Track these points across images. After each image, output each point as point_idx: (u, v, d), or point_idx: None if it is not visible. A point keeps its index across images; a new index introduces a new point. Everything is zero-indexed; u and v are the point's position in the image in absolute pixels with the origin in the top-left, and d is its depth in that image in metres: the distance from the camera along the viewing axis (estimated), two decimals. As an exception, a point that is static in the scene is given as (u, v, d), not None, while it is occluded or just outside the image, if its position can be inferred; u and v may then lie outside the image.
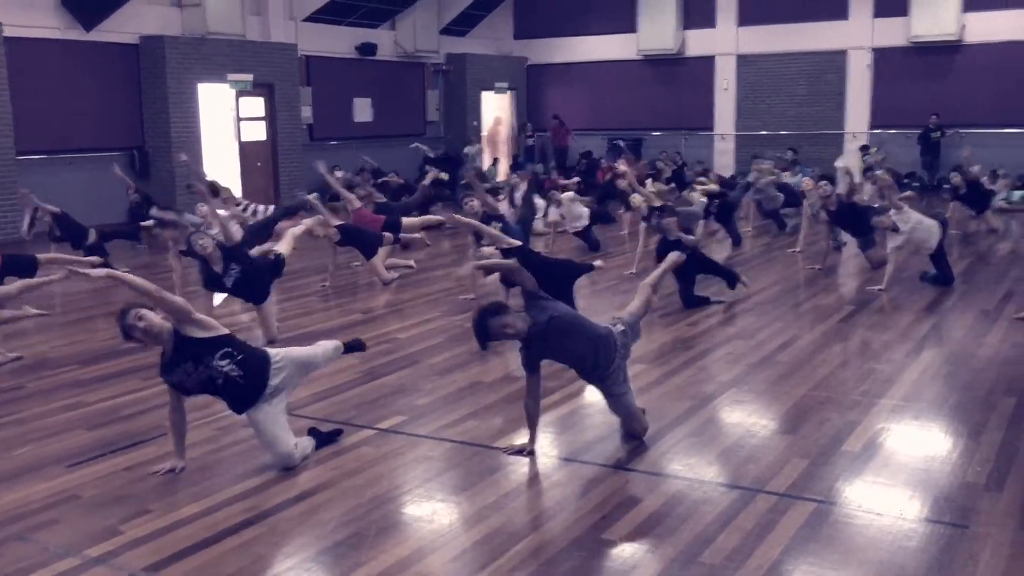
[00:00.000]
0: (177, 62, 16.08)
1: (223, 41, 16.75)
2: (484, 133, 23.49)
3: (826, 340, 7.71)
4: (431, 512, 4.53)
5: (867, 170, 15.86)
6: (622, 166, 16.09)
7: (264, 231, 10.31)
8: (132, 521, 4.44)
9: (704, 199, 13.56)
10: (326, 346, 5.75)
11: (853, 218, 10.53)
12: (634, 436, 5.44)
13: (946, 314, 8.56)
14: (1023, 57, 19.04)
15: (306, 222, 9.25)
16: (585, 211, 13.15)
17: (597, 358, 5.26)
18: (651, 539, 4.18)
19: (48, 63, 14.89)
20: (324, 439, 5.45)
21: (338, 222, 10.54)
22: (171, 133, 16.08)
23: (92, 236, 11.56)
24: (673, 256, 6.58)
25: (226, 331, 5.04)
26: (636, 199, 12.32)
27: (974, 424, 5.61)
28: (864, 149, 19.27)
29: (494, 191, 13.89)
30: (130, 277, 5.04)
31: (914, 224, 9.63)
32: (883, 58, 20.47)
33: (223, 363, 4.87)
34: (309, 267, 11.86)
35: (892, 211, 9.76)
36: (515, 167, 22.99)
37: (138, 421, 5.94)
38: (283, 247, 8.20)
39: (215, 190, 11.82)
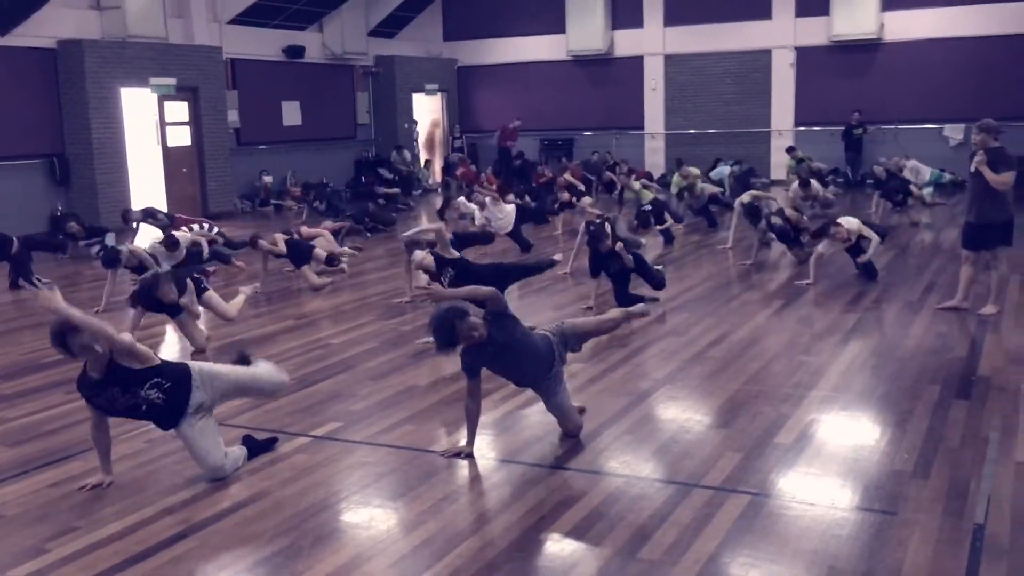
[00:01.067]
0: (97, 66, 15.66)
1: (144, 44, 16.37)
2: (418, 137, 23.36)
3: (757, 335, 7.83)
4: (368, 519, 4.48)
5: (799, 162, 16.27)
6: (568, 176, 16.45)
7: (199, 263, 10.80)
8: (58, 539, 4.31)
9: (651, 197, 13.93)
10: (270, 373, 5.53)
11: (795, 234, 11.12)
12: (570, 435, 5.45)
13: (872, 307, 8.76)
14: (940, 55, 19.63)
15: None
16: (510, 209, 13.20)
17: (537, 373, 5.34)
18: (590, 537, 4.19)
19: (-39, 68, 14.39)
20: (259, 447, 5.35)
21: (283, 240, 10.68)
22: (92, 139, 15.65)
23: (15, 246, 11.20)
24: (639, 307, 6.66)
25: (158, 360, 4.89)
26: (586, 201, 12.61)
27: (901, 413, 5.75)
28: (791, 150, 19.64)
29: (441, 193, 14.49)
30: (83, 320, 4.66)
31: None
32: (806, 57, 20.91)
33: (151, 392, 4.75)
34: (240, 275, 11.65)
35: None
36: (446, 169, 22.98)
37: (61, 436, 5.77)
38: (231, 308, 8.28)
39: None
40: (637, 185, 14.94)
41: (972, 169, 8.00)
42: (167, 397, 4.80)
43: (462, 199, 15.65)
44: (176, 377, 4.87)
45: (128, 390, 4.74)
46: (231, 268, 11.63)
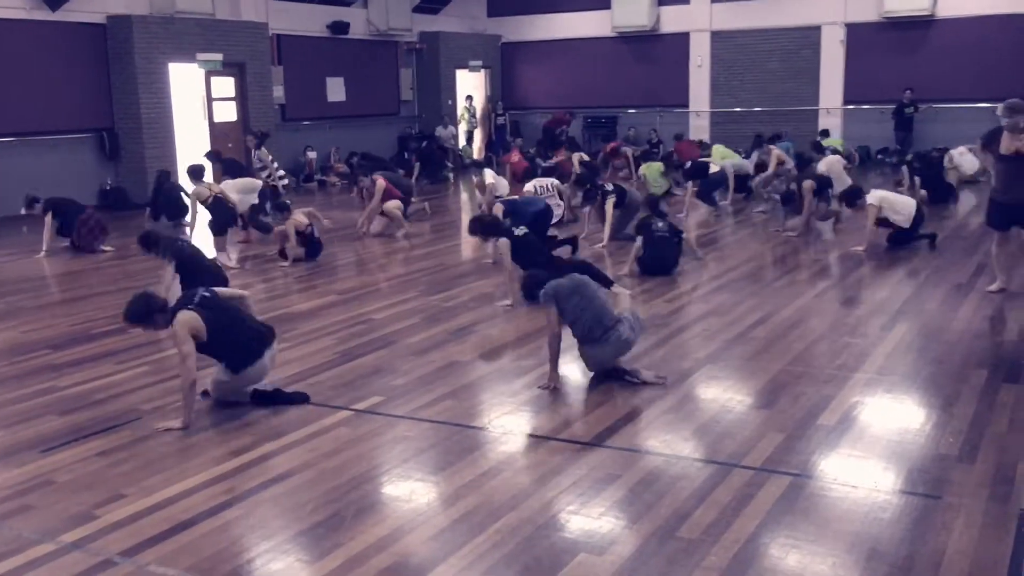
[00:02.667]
0: (145, 42, 15.83)
1: (192, 20, 16.52)
2: (467, 114, 23.22)
3: (801, 315, 7.76)
4: (409, 492, 4.53)
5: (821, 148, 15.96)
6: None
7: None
8: (107, 506, 4.41)
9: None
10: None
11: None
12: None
13: (919, 288, 8.63)
14: (995, 31, 19.13)
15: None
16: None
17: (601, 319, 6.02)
18: (629, 515, 4.20)
19: (14, 44, 14.63)
20: (286, 399, 5.73)
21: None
22: (141, 114, 15.86)
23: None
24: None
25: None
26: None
27: (946, 396, 5.67)
28: (824, 134, 19.15)
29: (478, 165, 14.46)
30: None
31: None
32: (856, 33, 20.51)
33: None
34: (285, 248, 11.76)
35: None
36: (489, 145, 22.94)
37: (111, 405, 5.89)
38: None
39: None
40: (656, 168, 14.80)
41: (1004, 151, 7.89)
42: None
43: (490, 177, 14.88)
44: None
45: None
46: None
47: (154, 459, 4.97)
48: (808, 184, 11.54)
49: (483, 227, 8.76)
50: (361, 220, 12.49)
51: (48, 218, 11.57)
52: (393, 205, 12.44)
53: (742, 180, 14.97)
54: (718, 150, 15.84)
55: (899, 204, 10.38)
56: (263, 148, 14.72)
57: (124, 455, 5.04)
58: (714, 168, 14.37)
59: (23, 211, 12.14)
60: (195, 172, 12.13)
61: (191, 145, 16.91)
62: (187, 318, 5.42)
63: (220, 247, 11.01)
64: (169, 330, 5.49)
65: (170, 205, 13.54)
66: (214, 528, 4.16)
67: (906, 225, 10.23)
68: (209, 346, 5.53)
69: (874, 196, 10.35)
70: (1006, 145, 7.87)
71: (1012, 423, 5.18)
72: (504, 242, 8.33)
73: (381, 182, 12.44)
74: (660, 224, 9.48)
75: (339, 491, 4.51)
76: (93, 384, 6.35)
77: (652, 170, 14.84)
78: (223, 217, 11.22)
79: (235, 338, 5.63)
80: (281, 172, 15.19)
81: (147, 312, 5.50)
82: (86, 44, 15.63)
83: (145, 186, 15.48)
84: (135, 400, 5.96)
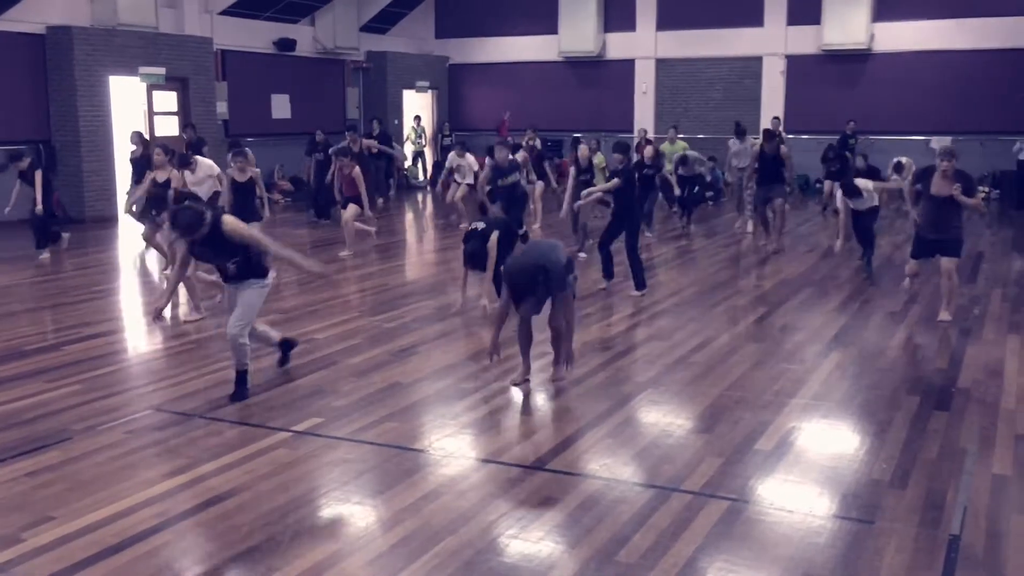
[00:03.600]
0: (86, 54, 15.55)
1: (135, 33, 16.28)
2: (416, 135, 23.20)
3: (740, 341, 7.86)
4: (348, 515, 4.47)
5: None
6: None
7: None
8: (34, 529, 4.28)
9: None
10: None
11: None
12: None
13: (855, 315, 8.81)
14: (928, 67, 19.75)
15: None
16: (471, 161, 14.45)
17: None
18: (568, 539, 4.20)
19: (-52, 52, 14.27)
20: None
21: None
22: (80, 127, 15.56)
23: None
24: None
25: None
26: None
27: (880, 423, 5.78)
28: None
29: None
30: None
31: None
32: (796, 65, 20.99)
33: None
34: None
35: None
36: (436, 167, 22.92)
37: (40, 425, 5.73)
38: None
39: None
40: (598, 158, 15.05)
41: (935, 192, 8.30)
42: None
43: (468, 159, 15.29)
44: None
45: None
46: None
47: (84, 481, 4.85)
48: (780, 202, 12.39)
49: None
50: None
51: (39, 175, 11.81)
52: (350, 215, 12.43)
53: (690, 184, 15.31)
54: (672, 147, 16.11)
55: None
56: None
57: (53, 476, 4.90)
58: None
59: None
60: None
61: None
62: (233, 219, 6.18)
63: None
64: (228, 228, 6.01)
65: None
66: (145, 552, 4.06)
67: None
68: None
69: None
70: (937, 188, 8.27)
71: (942, 449, 5.31)
72: (495, 237, 8.47)
73: (359, 171, 12.63)
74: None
75: (276, 514, 4.44)
76: (22, 403, 6.17)
77: (601, 160, 14.92)
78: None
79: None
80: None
81: (199, 220, 5.97)
82: (24, 54, 15.30)
83: (82, 200, 15.16)
84: (66, 420, 5.81)
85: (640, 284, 9.67)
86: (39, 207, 11.80)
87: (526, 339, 6.54)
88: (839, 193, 11.21)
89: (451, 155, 15.15)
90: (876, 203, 11.12)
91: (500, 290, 7.11)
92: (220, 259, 6.21)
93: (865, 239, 11.19)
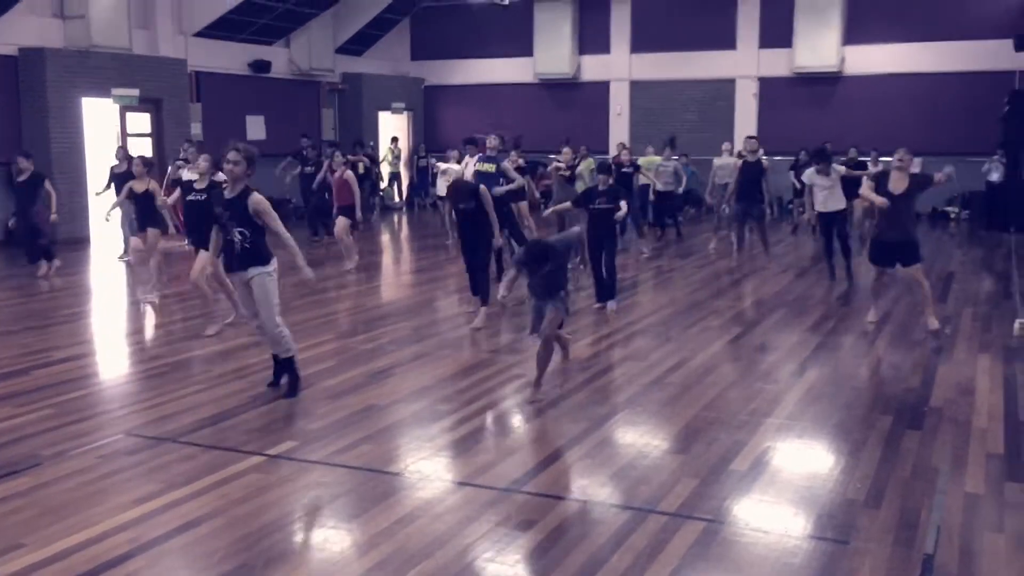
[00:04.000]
0: (59, 75, 15.47)
1: (108, 54, 16.21)
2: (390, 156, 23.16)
3: (716, 361, 7.90)
4: (323, 540, 4.44)
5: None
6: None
7: None
8: (4, 556, 4.21)
9: None
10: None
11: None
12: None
13: (828, 335, 8.87)
14: (896, 89, 20.06)
15: None
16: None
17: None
18: (545, 562, 4.18)
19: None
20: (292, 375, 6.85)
21: None
22: (51, 148, 15.45)
23: None
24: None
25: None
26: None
27: (854, 442, 5.82)
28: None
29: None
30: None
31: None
32: (769, 87, 21.24)
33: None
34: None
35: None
36: (412, 188, 22.93)
37: (10, 450, 5.64)
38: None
39: None
40: (589, 164, 15.15)
41: (892, 187, 8.45)
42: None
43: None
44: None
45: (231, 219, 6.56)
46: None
47: (55, 507, 4.78)
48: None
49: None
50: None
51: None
52: (341, 228, 12.47)
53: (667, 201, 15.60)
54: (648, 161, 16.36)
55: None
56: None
57: (23, 502, 4.83)
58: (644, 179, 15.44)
59: None
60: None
61: (104, 181, 16.50)
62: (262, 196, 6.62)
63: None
64: (254, 200, 6.54)
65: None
66: (117, 579, 4.01)
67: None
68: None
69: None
70: (894, 184, 8.44)
71: (915, 469, 5.34)
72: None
73: (351, 174, 12.75)
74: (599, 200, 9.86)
75: (249, 540, 4.39)
76: (-9, 428, 6.08)
77: (586, 165, 14.96)
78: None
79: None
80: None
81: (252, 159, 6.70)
82: (-4, 75, 15.19)
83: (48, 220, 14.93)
84: (36, 445, 5.73)
85: (607, 296, 9.83)
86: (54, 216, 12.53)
87: (544, 361, 6.73)
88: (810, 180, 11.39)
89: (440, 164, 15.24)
90: (843, 206, 11.43)
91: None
92: (232, 224, 6.56)
93: (842, 245, 11.51)
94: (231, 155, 6.65)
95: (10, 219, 15.36)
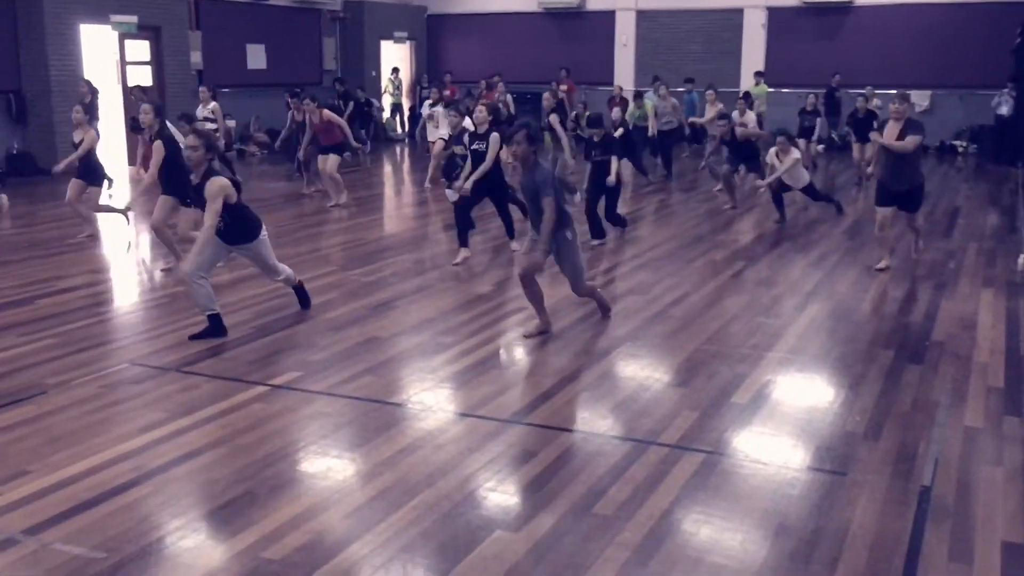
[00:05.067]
0: (56, 2, 15.20)
1: (106, -20, 15.91)
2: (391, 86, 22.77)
3: (718, 295, 7.89)
4: (325, 469, 4.48)
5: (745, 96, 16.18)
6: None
7: None
8: (10, 483, 4.26)
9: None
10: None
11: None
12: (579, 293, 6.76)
13: (832, 269, 8.85)
14: (909, 20, 19.68)
15: None
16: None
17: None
18: (545, 492, 4.23)
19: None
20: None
21: None
22: (50, 76, 15.24)
23: None
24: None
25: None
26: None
27: (854, 376, 5.83)
28: (746, 97, 19.28)
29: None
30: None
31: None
32: (777, 17, 20.84)
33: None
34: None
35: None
36: (413, 119, 22.69)
37: (14, 379, 5.68)
38: None
39: None
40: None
41: (886, 141, 8.34)
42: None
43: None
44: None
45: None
46: None
47: (59, 435, 4.82)
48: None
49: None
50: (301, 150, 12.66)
51: None
52: (332, 166, 12.19)
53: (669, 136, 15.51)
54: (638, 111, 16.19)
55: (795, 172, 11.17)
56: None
57: (28, 431, 4.87)
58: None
59: None
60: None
61: (103, 110, 16.35)
62: (220, 181, 6.37)
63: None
64: (209, 185, 6.32)
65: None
66: (122, 506, 4.06)
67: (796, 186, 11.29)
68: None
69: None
70: (888, 136, 8.35)
71: (915, 402, 5.37)
72: None
73: (328, 112, 12.32)
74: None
75: (253, 468, 4.44)
76: (-4, 357, 6.12)
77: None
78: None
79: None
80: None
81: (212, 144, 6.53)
82: (-9, 1, 14.94)
83: (54, 150, 14.89)
84: (40, 374, 5.76)
85: (601, 233, 9.92)
86: None
87: (538, 299, 6.64)
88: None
89: (425, 104, 14.79)
90: (807, 181, 11.41)
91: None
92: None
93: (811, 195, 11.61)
94: (189, 139, 6.49)
95: (13, 148, 15.27)
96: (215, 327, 6.52)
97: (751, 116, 13.90)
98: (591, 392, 5.56)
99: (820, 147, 15.73)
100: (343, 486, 4.29)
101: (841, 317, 7.23)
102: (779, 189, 11.17)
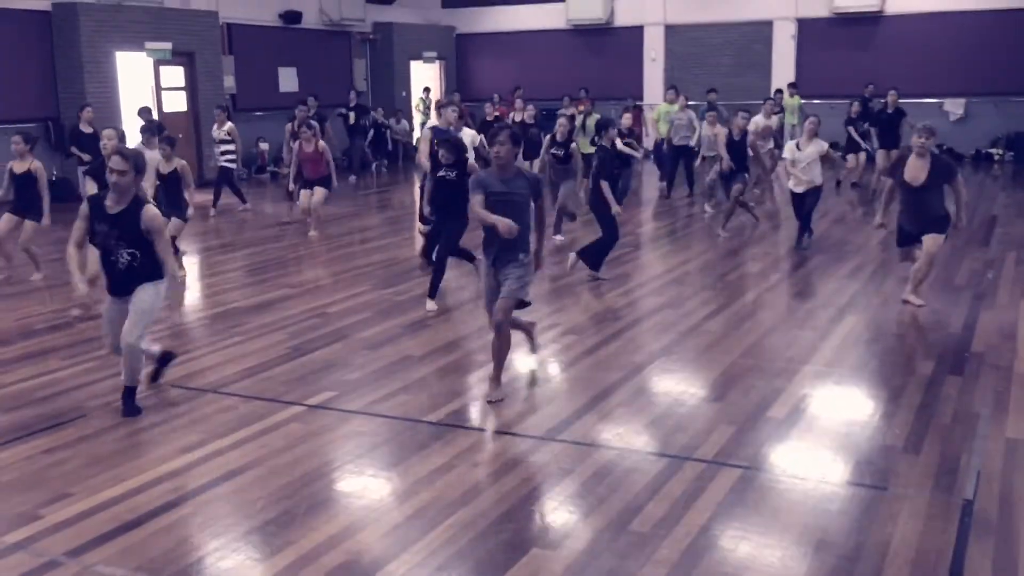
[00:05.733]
0: (92, 30, 15.50)
1: (140, 8, 16.20)
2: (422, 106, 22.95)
3: (753, 308, 7.84)
4: (362, 488, 4.50)
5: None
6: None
7: None
8: (52, 505, 4.32)
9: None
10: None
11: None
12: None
13: (867, 281, 8.76)
14: (941, 29, 19.50)
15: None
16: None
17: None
18: (581, 509, 4.21)
19: (-46, 30, 14.24)
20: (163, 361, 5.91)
21: None
22: (87, 103, 15.52)
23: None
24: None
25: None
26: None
27: (893, 389, 5.76)
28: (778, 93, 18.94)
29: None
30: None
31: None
32: (807, 28, 20.76)
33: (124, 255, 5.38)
34: (238, 241, 11.65)
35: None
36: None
37: (55, 402, 5.77)
38: None
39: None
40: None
41: (910, 178, 7.36)
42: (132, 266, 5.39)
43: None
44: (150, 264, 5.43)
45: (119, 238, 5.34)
46: None
47: (100, 457, 4.88)
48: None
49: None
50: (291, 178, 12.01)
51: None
52: (319, 200, 11.63)
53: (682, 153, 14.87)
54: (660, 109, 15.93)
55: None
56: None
57: (69, 453, 4.94)
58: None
59: None
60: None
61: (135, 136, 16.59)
62: (156, 210, 5.50)
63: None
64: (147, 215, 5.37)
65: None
66: (162, 527, 4.10)
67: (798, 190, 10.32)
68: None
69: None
70: (912, 173, 7.38)
71: (956, 415, 5.29)
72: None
73: (323, 144, 11.70)
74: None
75: (290, 488, 4.47)
76: (37, 380, 6.21)
77: (592, 120, 14.16)
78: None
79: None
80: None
81: (139, 168, 5.43)
82: (31, 31, 15.25)
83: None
84: (80, 397, 5.85)
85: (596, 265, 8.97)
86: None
87: (506, 351, 5.76)
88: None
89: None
90: (819, 182, 10.36)
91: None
92: (120, 245, 5.35)
93: (804, 219, 10.45)
94: (115, 161, 5.35)
95: (52, 175, 15.53)
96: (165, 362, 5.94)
97: (759, 120, 13.39)
98: (626, 408, 5.54)
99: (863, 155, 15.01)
100: (380, 505, 4.30)
101: (878, 329, 7.15)
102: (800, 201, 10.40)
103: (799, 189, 10.32)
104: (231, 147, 14.21)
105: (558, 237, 10.81)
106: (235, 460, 4.81)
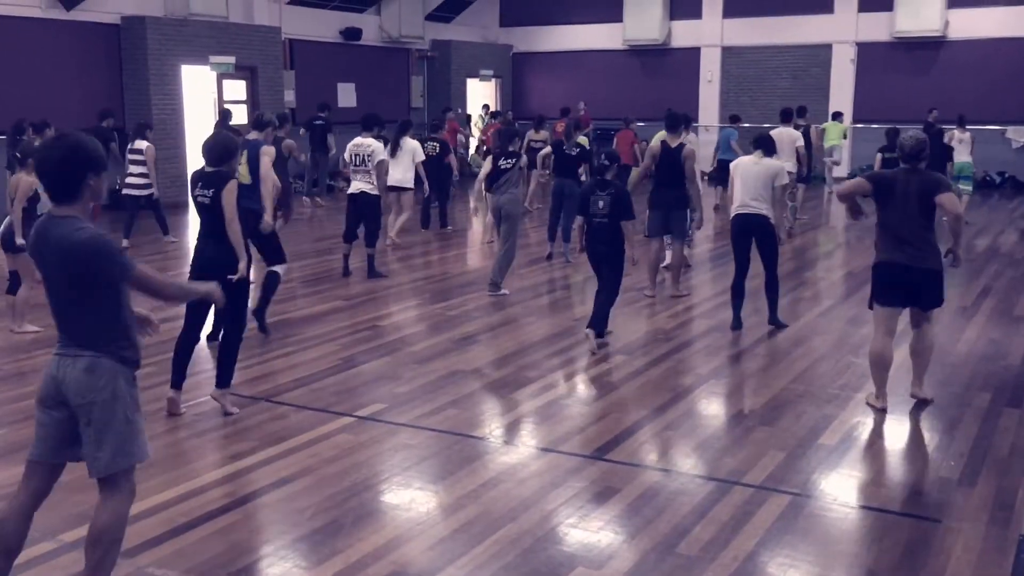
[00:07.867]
0: (158, 43, 15.90)
1: (205, 22, 16.58)
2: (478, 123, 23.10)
3: (805, 333, 7.75)
4: (409, 500, 4.53)
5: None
6: None
7: None
8: (107, 506, 4.41)
9: None
10: None
11: None
12: None
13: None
14: (1005, 54, 19.17)
15: None
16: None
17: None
18: (627, 529, 4.20)
19: (28, 42, 14.69)
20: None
21: None
22: (152, 115, 15.90)
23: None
24: None
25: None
26: None
27: (949, 419, 5.66)
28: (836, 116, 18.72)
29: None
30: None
31: None
32: (867, 53, 20.54)
33: None
34: (296, 252, 11.79)
35: None
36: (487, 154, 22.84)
37: (115, 405, 5.89)
38: None
39: None
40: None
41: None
42: None
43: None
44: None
45: None
46: None
47: (154, 461, 4.96)
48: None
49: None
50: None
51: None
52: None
53: None
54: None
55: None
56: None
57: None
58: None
59: None
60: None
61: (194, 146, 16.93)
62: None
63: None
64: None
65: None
66: (212, 532, 4.17)
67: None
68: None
69: None
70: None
71: (1014, 447, 5.18)
72: None
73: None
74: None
75: (339, 498, 4.52)
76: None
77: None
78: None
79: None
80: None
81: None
82: (100, 44, 15.69)
83: (156, 187, 15.38)
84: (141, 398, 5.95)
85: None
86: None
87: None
88: None
89: (529, 132, 15.06)
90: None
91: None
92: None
93: (767, 274, 8.07)
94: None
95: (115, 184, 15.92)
96: None
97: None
98: (674, 430, 5.51)
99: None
100: (426, 518, 4.33)
101: (935, 359, 7.00)
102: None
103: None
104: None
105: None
106: (285, 468, 4.88)
